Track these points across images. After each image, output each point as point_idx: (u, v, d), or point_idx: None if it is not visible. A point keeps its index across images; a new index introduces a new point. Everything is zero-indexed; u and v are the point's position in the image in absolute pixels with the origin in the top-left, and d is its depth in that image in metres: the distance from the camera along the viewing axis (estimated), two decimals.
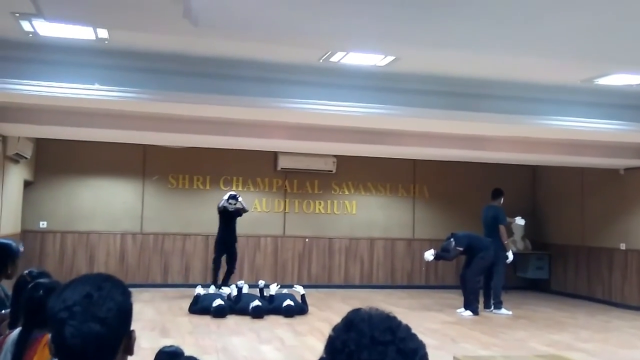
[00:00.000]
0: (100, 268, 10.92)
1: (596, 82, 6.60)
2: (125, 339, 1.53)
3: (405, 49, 5.23)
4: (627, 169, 10.55)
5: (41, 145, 10.64)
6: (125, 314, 1.54)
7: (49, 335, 2.91)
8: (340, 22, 4.28)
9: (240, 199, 10.42)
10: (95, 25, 4.80)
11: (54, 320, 1.49)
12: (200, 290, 9.30)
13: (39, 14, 4.09)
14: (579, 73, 6.33)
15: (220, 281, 10.23)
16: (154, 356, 3.49)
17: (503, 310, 9.64)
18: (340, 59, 5.95)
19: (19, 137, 8.64)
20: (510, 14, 4.30)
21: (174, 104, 6.45)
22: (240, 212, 10.46)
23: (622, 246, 10.63)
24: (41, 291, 2.90)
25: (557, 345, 7.32)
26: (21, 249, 3.95)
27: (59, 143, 10.43)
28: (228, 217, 10.42)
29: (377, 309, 1.28)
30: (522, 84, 6.76)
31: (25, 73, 5.86)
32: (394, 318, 1.27)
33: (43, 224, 10.87)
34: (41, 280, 3.05)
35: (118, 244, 11.15)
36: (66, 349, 1.48)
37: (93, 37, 5.35)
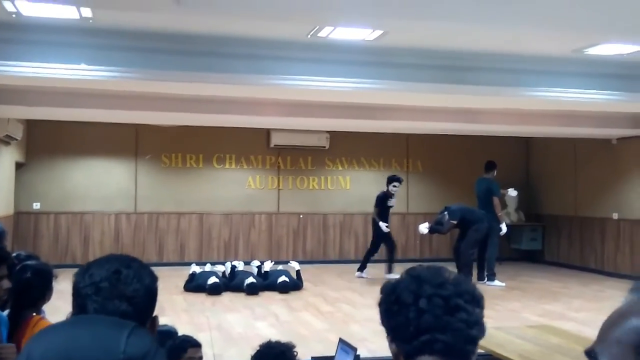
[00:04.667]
0: (95, 248, 10.95)
1: (587, 52, 6.55)
2: (149, 324, 1.46)
3: (393, 22, 5.18)
4: (620, 139, 10.56)
5: (32, 126, 10.58)
6: (151, 296, 1.47)
7: (38, 316, 2.93)
8: None
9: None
10: (76, 3, 4.73)
11: (78, 296, 1.43)
12: (195, 268, 9.34)
13: None
14: (570, 43, 6.28)
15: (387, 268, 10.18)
16: None
17: (496, 282, 9.71)
18: (329, 33, 5.89)
19: (8, 119, 8.59)
20: None
21: (162, 82, 6.40)
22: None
23: (615, 216, 10.69)
24: (29, 273, 2.92)
25: (550, 315, 7.40)
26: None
27: (50, 124, 10.36)
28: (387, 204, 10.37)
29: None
30: (513, 55, 6.71)
31: (11, 54, 5.79)
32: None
33: (36, 205, 10.86)
34: (29, 262, 3.06)
35: (112, 223, 11.17)
36: None
37: (77, 16, 5.27)
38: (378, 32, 5.81)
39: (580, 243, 11.47)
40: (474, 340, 1.23)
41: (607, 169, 10.87)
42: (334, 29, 5.74)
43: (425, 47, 6.44)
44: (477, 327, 1.23)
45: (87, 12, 5.13)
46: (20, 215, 10.61)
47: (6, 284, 2.63)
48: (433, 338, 1.19)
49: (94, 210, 11.08)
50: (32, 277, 2.89)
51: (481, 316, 1.24)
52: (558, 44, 6.34)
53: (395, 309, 1.22)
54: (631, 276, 10.17)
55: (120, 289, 1.41)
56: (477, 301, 1.26)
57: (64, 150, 11.00)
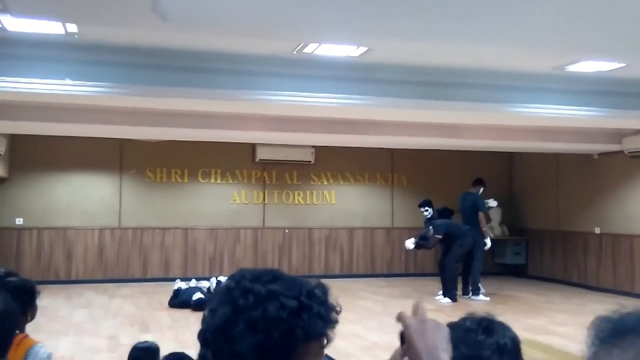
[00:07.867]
0: (78, 264, 10.86)
1: (567, 70, 6.67)
2: None
3: (377, 40, 5.25)
4: (601, 154, 10.70)
5: (15, 141, 10.50)
6: None
7: (22, 334, 2.90)
8: (311, 14, 4.28)
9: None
10: (62, 19, 4.75)
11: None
12: (180, 283, 9.28)
13: (5, 9, 4.04)
14: (551, 61, 6.40)
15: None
16: None
17: (481, 297, 9.75)
18: (314, 50, 5.95)
19: None
20: (481, 4, 4.34)
21: (148, 97, 6.41)
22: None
23: (597, 230, 10.80)
24: (9, 290, 2.87)
25: (534, 329, 7.44)
26: None
27: (34, 138, 10.28)
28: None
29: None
30: (495, 72, 6.82)
31: None
32: None
33: (19, 221, 10.75)
34: (10, 278, 3.02)
35: (96, 239, 11.08)
36: None
37: (62, 31, 5.28)
38: (362, 49, 5.88)
39: (563, 257, 11.57)
40: None
41: (589, 184, 11.00)
42: (319, 46, 5.80)
43: (409, 64, 6.53)
44: None
45: (72, 27, 5.14)
46: (2, 231, 10.50)
47: None
48: None
49: (77, 226, 10.99)
50: (13, 294, 2.85)
51: None
52: (539, 61, 6.45)
53: None
54: (614, 290, 10.27)
55: None
56: None
57: (47, 165, 10.92)
